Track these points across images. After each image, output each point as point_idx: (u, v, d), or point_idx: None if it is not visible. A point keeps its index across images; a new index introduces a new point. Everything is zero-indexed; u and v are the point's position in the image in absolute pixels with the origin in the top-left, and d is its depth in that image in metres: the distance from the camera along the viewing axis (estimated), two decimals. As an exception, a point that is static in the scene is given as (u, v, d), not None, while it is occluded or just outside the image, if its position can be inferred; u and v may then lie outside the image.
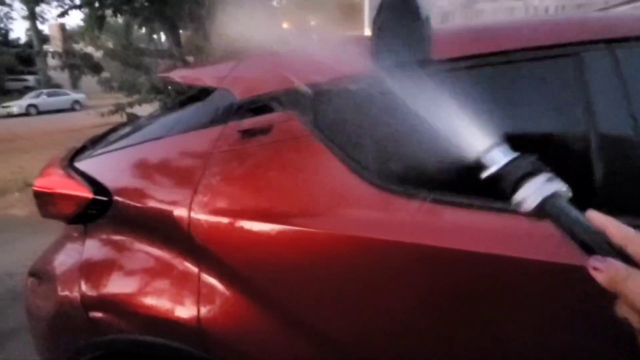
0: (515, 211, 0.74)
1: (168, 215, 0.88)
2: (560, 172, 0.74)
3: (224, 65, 1.04)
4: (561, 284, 0.69)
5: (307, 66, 0.91)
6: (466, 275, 0.74)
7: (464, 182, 0.77)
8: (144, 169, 0.98)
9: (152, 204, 0.91)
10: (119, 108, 4.47)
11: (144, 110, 4.62)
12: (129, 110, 4.46)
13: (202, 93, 1.03)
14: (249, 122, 0.88)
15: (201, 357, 0.88)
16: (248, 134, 0.88)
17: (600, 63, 0.72)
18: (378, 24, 0.85)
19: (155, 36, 5.52)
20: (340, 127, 0.84)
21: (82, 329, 0.97)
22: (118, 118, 4.29)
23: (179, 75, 1.13)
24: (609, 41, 0.73)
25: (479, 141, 0.45)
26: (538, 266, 0.70)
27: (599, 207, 0.69)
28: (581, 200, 0.68)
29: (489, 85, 0.79)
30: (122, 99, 4.60)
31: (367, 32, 5.65)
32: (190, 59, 4.63)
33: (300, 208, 0.82)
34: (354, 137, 0.83)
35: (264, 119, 0.88)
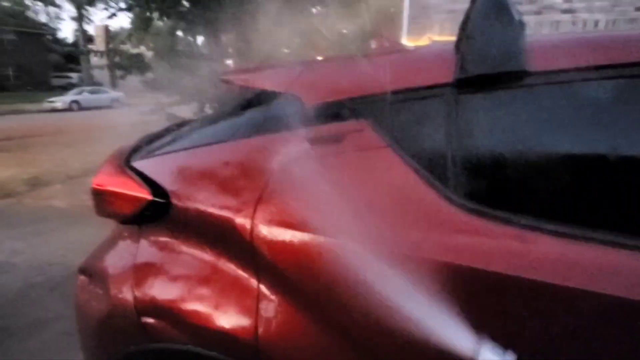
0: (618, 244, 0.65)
1: (229, 223, 0.84)
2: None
3: (290, 69, 1.00)
4: None
5: (385, 73, 0.85)
6: (559, 310, 0.66)
7: (560, 206, 0.69)
8: (204, 172, 0.95)
9: (212, 210, 0.88)
10: (158, 107, 4.56)
11: (182, 110, 4.71)
12: (168, 110, 4.55)
13: (263, 97, 1.00)
14: (318, 130, 0.84)
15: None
16: (317, 142, 0.83)
17: None
18: (467, 31, 0.79)
19: (192, 39, 5.62)
20: (419, 139, 0.78)
21: (133, 334, 0.95)
22: (157, 117, 4.39)
23: (241, 78, 1.10)
24: None
25: None
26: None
27: None
28: None
29: (590, 100, 0.71)
30: (160, 98, 4.70)
31: (405, 40, 5.56)
32: (230, 62, 4.68)
33: (371, 225, 0.77)
34: (434, 151, 0.77)
35: (335, 127, 0.83)
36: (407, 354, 0.74)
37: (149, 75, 5.11)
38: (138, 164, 1.06)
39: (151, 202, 0.95)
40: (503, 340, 0.67)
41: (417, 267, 0.73)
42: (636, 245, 0.64)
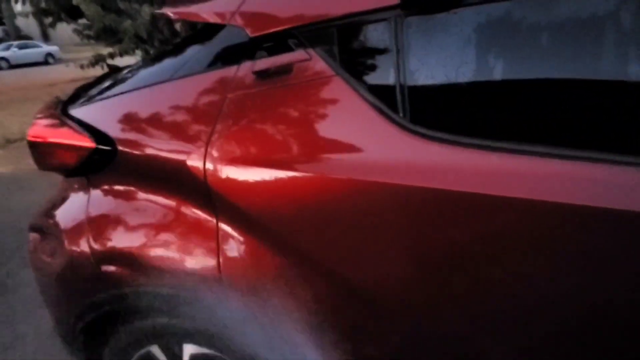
0: (552, 155, 0.70)
1: (181, 164, 0.82)
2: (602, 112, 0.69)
3: (230, -1, 0.94)
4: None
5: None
6: (498, 220, 0.72)
7: (504, 124, 0.73)
8: (149, 115, 0.90)
9: (162, 153, 0.85)
10: (99, 59, 4.21)
11: (126, 61, 4.36)
12: (110, 61, 4.21)
13: (205, 32, 0.94)
14: (264, 62, 0.81)
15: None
16: (264, 75, 0.81)
17: None
18: (411, -52, 0.76)
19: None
20: (367, 66, 0.77)
21: (95, 284, 0.94)
22: (98, 71, 4.06)
23: (177, 11, 1.02)
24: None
25: None
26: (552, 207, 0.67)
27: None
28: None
29: (532, 20, 0.72)
30: (101, 50, 4.31)
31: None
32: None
33: (324, 154, 0.78)
34: (382, 76, 0.76)
35: (282, 58, 0.80)
36: (365, 270, 0.79)
37: (82, 21, 4.63)
38: (76, 112, 0.99)
39: (95, 150, 0.91)
40: (448, 252, 0.73)
41: (371, 191, 0.75)
42: (568, 154, 0.69)
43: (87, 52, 4.69)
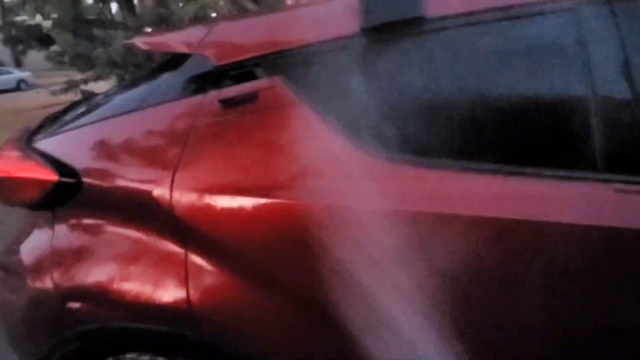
0: (517, 173, 0.73)
1: (147, 195, 0.81)
2: (557, 132, 0.73)
3: (197, 29, 0.95)
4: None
5: (293, 28, 0.84)
6: (472, 239, 0.73)
7: (467, 145, 0.75)
8: (115, 145, 0.89)
9: (128, 183, 0.84)
10: (72, 85, 4.14)
11: (100, 87, 4.30)
12: (83, 87, 4.15)
13: (173, 62, 0.94)
14: (230, 91, 0.82)
15: (194, 340, 0.84)
16: (230, 103, 0.81)
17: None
18: (366, -22, 0.79)
19: (103, 5, 5.07)
20: (331, 92, 0.79)
21: (60, 321, 0.91)
22: (72, 97, 3.99)
23: (145, 41, 1.02)
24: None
25: None
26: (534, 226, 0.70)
27: (598, 166, 0.69)
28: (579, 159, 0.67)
29: (486, 43, 0.76)
30: (75, 75, 4.25)
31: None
32: (149, 30, 4.32)
33: (292, 180, 0.78)
34: (347, 103, 0.78)
35: (247, 86, 0.81)
36: (338, 294, 0.78)
37: (55, 49, 4.57)
38: (41, 144, 0.97)
39: (59, 184, 0.88)
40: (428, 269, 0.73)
41: (341, 216, 0.76)
42: (529, 172, 0.71)
43: (61, 78, 4.62)
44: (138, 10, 4.38)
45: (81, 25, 4.21)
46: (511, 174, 0.70)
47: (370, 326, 0.79)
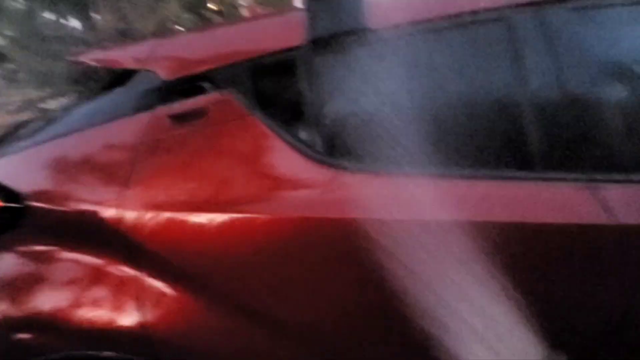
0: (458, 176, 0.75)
1: (96, 216, 0.78)
2: (491, 135, 0.76)
3: (145, 44, 0.94)
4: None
5: (241, 41, 0.84)
6: (420, 245, 0.74)
7: (413, 151, 0.77)
8: (62, 167, 0.86)
9: (75, 205, 0.81)
10: (29, 104, 3.96)
11: (58, 104, 4.13)
12: (41, 105, 3.98)
13: (122, 78, 0.92)
14: (179, 106, 0.81)
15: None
16: (180, 119, 0.80)
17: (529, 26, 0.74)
18: (310, -8, 0.80)
19: (64, 21, 4.91)
20: (280, 103, 0.79)
21: (11, 354, 0.85)
22: (27, 115, 3.81)
23: (92, 58, 1.00)
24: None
25: None
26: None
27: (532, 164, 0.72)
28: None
29: (426, 52, 0.78)
30: (29, 93, 4.07)
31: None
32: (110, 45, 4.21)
33: (244, 195, 0.78)
34: (295, 113, 0.79)
35: (197, 101, 0.80)
36: (296, 308, 0.78)
37: (9, 66, 4.38)
38: (-16, 168, 0.93)
39: (3, 209, 0.84)
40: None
41: (295, 227, 0.76)
42: (471, 174, 0.74)
43: (18, 96, 4.41)
44: (98, 25, 4.27)
45: (38, 41, 4.06)
46: (452, 176, 0.73)
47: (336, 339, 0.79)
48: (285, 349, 0.78)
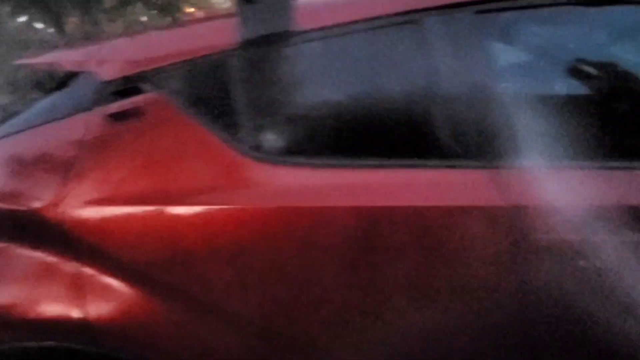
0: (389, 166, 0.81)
1: (36, 214, 0.82)
2: (406, 132, 0.83)
3: (87, 46, 0.97)
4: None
5: (177, 43, 0.89)
6: (358, 231, 0.79)
7: (337, 145, 0.83)
8: (4, 166, 0.89)
9: (13, 204, 0.84)
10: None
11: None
12: (13, 109, 3.92)
13: (67, 80, 0.96)
14: (117, 106, 0.84)
15: (97, 354, 0.85)
16: (117, 118, 0.84)
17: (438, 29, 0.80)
18: (241, -6, 0.85)
19: (37, 25, 4.86)
20: (214, 104, 0.84)
21: None
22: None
23: (39, 60, 1.03)
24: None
25: None
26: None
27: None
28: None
29: (347, 53, 0.84)
30: (2, 99, 4.01)
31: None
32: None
33: (178, 189, 0.81)
34: (230, 113, 0.83)
35: (133, 101, 0.84)
36: (247, 299, 0.81)
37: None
38: None
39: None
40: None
41: (230, 219, 0.81)
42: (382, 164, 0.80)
43: (-12, 102, 4.33)
44: (68, 28, 4.24)
45: (7, 46, 4.00)
46: (371, 166, 0.79)
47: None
48: (227, 336, 0.82)
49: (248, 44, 0.84)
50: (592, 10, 0.86)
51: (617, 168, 0.79)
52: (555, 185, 0.72)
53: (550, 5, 0.86)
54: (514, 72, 0.91)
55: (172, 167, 0.81)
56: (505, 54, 0.86)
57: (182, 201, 0.79)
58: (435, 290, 0.79)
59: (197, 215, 0.81)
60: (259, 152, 0.82)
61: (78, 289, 0.83)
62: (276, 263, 0.81)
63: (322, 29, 0.83)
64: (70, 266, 0.83)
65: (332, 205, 0.80)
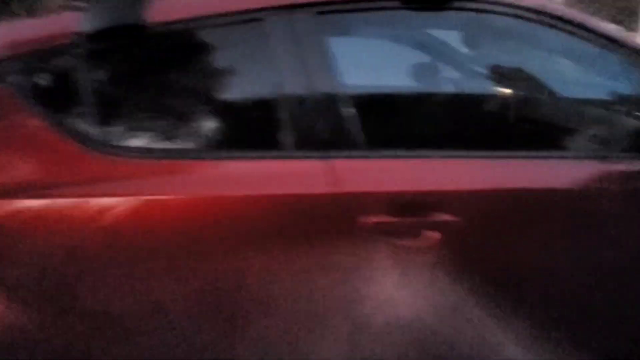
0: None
1: None
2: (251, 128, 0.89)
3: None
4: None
5: (23, 35, 0.87)
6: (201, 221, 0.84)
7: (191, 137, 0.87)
8: None
9: None
10: None
11: None
12: None
13: None
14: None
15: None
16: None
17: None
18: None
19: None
20: (60, 97, 0.84)
21: None
22: None
23: None
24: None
25: None
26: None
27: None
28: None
29: (196, 48, 0.88)
30: None
31: None
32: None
33: (21, 182, 0.80)
34: (74, 105, 0.84)
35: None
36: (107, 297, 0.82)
37: None
38: None
39: None
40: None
41: (70, 212, 0.80)
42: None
43: None
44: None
45: None
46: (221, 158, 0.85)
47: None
48: (91, 338, 0.83)
49: (92, 36, 0.84)
50: (425, 13, 0.97)
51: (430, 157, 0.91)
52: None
53: (387, 8, 0.95)
54: (355, 70, 0.99)
55: (12, 161, 0.81)
56: (346, 53, 0.93)
57: (21, 194, 0.79)
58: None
59: (35, 209, 0.80)
60: (99, 145, 0.82)
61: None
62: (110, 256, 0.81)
63: (168, 23, 0.85)
64: None
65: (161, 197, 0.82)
